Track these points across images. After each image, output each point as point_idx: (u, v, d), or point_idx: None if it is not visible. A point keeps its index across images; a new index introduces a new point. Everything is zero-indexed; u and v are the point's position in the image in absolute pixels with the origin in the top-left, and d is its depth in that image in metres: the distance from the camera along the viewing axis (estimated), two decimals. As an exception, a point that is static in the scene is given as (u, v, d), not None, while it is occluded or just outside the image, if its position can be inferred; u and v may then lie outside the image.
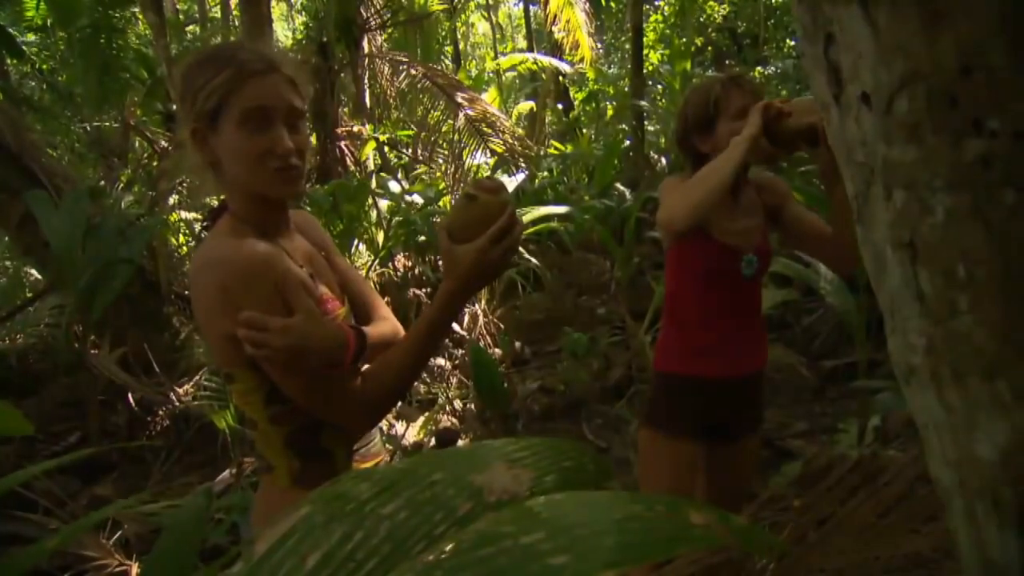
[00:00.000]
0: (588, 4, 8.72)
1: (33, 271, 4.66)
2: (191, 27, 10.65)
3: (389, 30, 6.99)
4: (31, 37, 7.54)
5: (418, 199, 4.95)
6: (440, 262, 1.24)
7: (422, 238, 4.43)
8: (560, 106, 11.12)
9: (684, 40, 8.09)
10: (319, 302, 0.98)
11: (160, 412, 3.28)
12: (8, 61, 7.49)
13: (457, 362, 4.10)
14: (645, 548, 0.42)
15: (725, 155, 1.43)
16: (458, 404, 3.72)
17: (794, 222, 1.63)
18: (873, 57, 0.58)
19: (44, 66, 7.43)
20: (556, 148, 8.81)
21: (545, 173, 7.58)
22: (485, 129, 4.83)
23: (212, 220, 1.02)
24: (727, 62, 12.19)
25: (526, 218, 4.60)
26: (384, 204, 4.97)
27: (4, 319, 3.87)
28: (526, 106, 10.31)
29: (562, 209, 5.10)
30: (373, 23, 5.90)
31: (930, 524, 1.50)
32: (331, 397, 0.94)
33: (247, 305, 0.88)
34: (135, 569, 2.20)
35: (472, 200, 0.93)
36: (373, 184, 4.98)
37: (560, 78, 10.33)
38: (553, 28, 8.52)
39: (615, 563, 0.40)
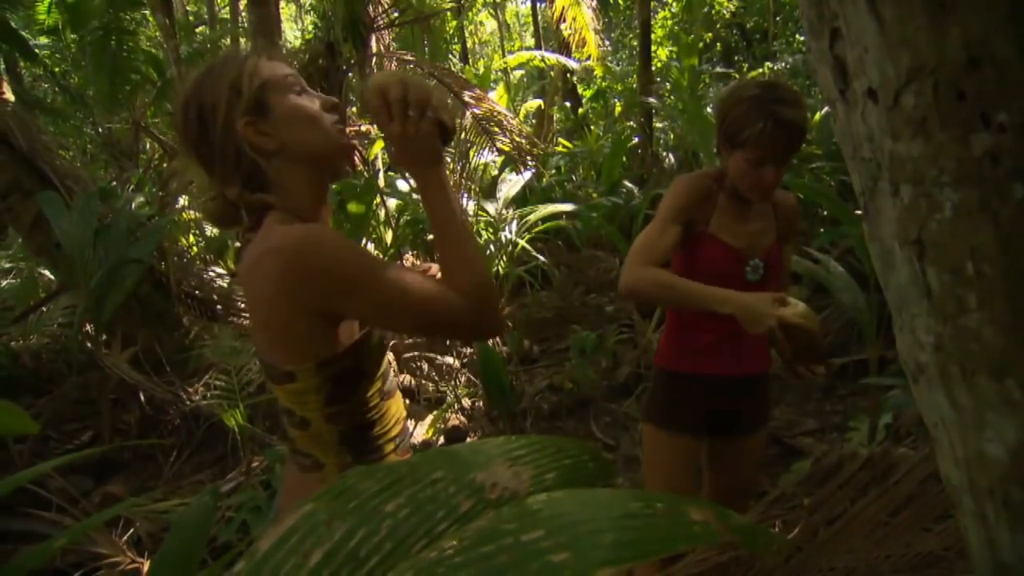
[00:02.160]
0: (595, 1, 8.69)
1: (46, 271, 4.70)
2: (201, 28, 10.72)
3: (397, 29, 7.00)
4: (43, 40, 7.62)
5: (426, 198, 4.95)
6: None
7: (430, 236, 4.44)
8: (568, 103, 11.10)
9: (692, 36, 8.03)
10: None
11: (171, 411, 3.31)
12: (21, 64, 7.58)
13: (465, 360, 4.11)
14: (644, 545, 0.42)
15: (703, 296, 1.37)
16: (466, 402, 3.72)
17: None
18: (879, 51, 0.58)
19: (56, 68, 7.50)
20: (564, 146, 8.80)
21: (553, 171, 7.57)
22: (492, 128, 4.83)
23: (255, 223, 0.98)
24: (736, 58, 12.12)
25: (533, 216, 4.59)
26: (392, 203, 4.98)
27: (17, 319, 3.91)
28: (534, 104, 10.30)
29: (570, 207, 5.10)
30: (381, 22, 5.90)
31: (942, 523, 1.48)
32: (442, 313, 0.89)
33: (330, 269, 0.86)
34: (146, 567, 2.22)
35: (365, 96, 0.96)
36: (381, 183, 4.99)
37: (568, 75, 10.31)
38: (560, 26, 8.50)
39: (614, 560, 0.40)
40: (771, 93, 1.38)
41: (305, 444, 1.00)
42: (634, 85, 9.14)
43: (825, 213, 4.61)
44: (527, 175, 5.21)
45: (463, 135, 4.98)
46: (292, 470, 1.06)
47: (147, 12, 7.09)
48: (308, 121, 0.94)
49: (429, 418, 3.51)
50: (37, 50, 7.20)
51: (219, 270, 4.54)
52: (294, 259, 0.86)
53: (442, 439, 3.42)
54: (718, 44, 12.86)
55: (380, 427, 1.02)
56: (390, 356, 1.09)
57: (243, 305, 4.05)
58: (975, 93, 0.53)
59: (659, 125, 8.43)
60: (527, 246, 4.57)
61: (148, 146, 7.51)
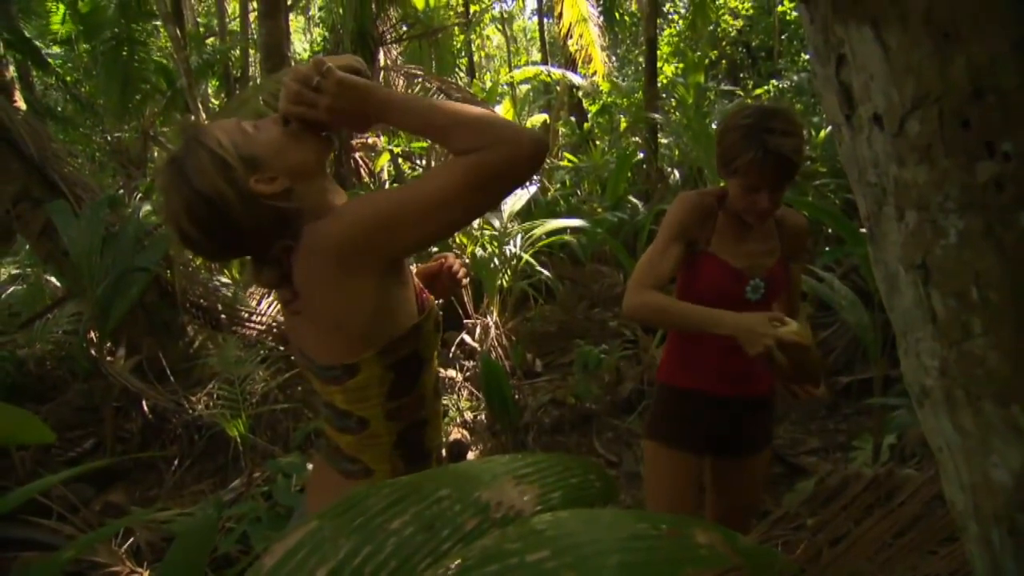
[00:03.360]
0: (602, 18, 8.77)
1: (53, 279, 4.73)
2: (211, 40, 10.84)
3: (404, 43, 7.07)
4: (56, 49, 7.73)
5: (431, 210, 4.97)
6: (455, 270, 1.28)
7: (434, 248, 4.46)
8: (573, 118, 11.16)
9: (698, 54, 8.08)
10: (419, 291, 1.01)
11: (173, 420, 3.31)
12: (34, 73, 7.67)
13: (468, 374, 4.10)
14: (649, 568, 0.42)
15: (700, 318, 1.39)
16: (468, 416, 3.71)
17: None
18: (885, 78, 0.59)
19: (68, 77, 7.59)
20: (569, 160, 8.84)
21: (558, 185, 7.59)
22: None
23: (293, 237, 0.97)
24: (741, 75, 12.19)
25: (538, 231, 4.60)
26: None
27: (23, 326, 3.93)
28: (539, 118, 10.36)
29: (575, 222, 5.11)
30: (388, 37, 5.97)
31: (948, 545, 1.47)
32: (484, 167, 0.84)
33: (358, 241, 0.86)
34: (146, 576, 2.21)
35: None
36: (387, 195, 5.00)
37: (574, 91, 10.38)
38: (567, 42, 8.58)
39: (620, 584, 0.40)
40: (764, 122, 1.38)
41: (356, 449, 1.01)
42: (640, 101, 9.19)
43: (830, 231, 4.61)
44: (532, 189, 5.23)
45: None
46: (331, 477, 1.05)
47: (159, 23, 7.19)
48: (286, 145, 0.94)
49: (431, 431, 3.50)
50: (50, 59, 7.30)
51: (224, 280, 4.56)
52: (331, 241, 0.87)
53: (444, 453, 3.41)
54: (723, 61, 12.95)
55: (431, 429, 1.05)
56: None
57: (246, 314, 4.06)
58: (980, 122, 0.54)
59: (664, 141, 8.47)
60: (531, 260, 4.58)
61: (156, 155, 7.58)
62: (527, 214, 5.51)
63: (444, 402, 3.79)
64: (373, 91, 0.91)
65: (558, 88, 10.20)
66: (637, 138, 8.73)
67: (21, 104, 5.96)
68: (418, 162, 7.41)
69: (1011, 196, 0.53)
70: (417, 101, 0.93)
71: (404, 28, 6.39)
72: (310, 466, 2.55)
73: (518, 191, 5.21)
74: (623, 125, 10.50)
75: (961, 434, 0.60)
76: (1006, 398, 0.55)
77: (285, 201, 0.92)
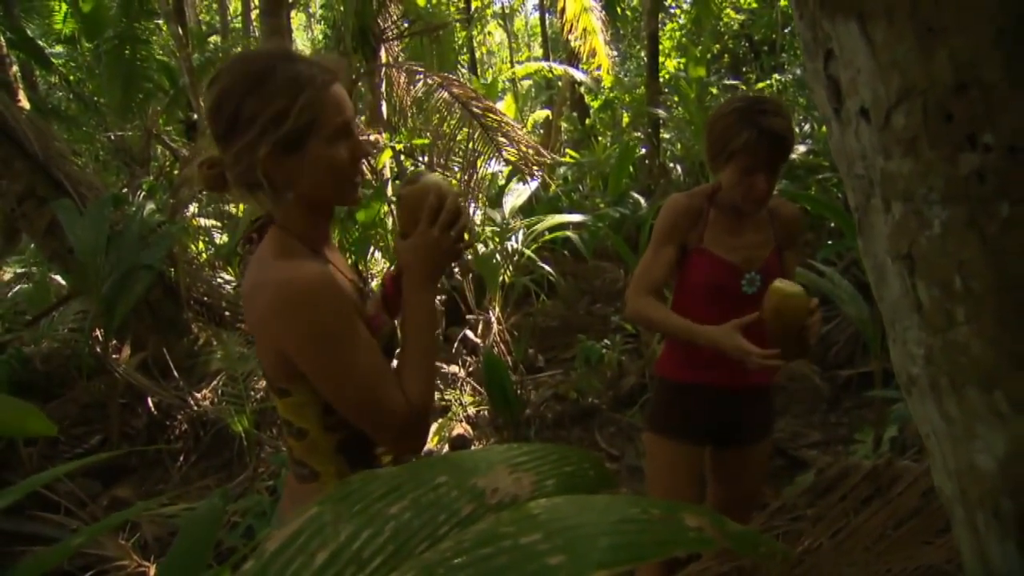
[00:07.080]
0: (604, 12, 8.74)
1: (58, 277, 4.77)
2: (213, 37, 10.85)
3: (406, 40, 7.07)
4: (59, 49, 7.75)
5: (433, 207, 4.97)
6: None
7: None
8: (575, 114, 11.15)
9: (700, 48, 8.06)
10: (369, 319, 0.99)
11: (178, 416, 3.34)
12: (37, 72, 7.70)
13: (471, 369, 4.12)
14: (639, 549, 0.44)
15: (683, 332, 1.49)
16: (471, 411, 3.73)
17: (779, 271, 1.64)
18: (871, 73, 0.60)
19: (71, 77, 7.61)
20: (571, 156, 8.83)
21: (560, 181, 7.59)
22: (499, 138, 4.86)
23: (258, 233, 1.01)
24: (744, 69, 12.15)
25: (540, 226, 4.61)
26: (400, 212, 5.00)
27: (30, 323, 3.96)
28: (542, 114, 10.35)
29: (577, 217, 5.11)
30: (390, 33, 5.98)
31: (943, 536, 1.48)
32: (383, 407, 0.91)
33: (308, 324, 0.88)
34: (152, 570, 2.24)
35: (398, 200, 0.99)
36: (389, 192, 5.03)
37: (575, 86, 10.36)
38: (569, 36, 8.56)
39: (609, 563, 0.41)
40: (754, 105, 1.44)
41: (302, 454, 1.01)
42: (642, 96, 9.17)
43: (832, 225, 4.61)
44: (534, 185, 5.23)
45: (471, 145, 5.02)
46: (291, 481, 1.07)
47: (161, 22, 7.20)
48: (332, 173, 0.93)
49: (434, 427, 3.53)
50: (53, 59, 7.32)
51: (228, 277, 4.58)
52: (282, 305, 0.88)
53: (447, 447, 3.43)
54: (726, 55, 12.90)
55: None
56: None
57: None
58: (962, 114, 0.55)
59: (666, 136, 8.45)
60: (533, 256, 4.59)
61: (159, 153, 7.61)
62: (529, 210, 5.52)
63: (447, 398, 3.81)
64: (437, 280, 1.00)
65: (560, 84, 10.19)
66: (639, 133, 8.73)
67: (25, 103, 5.99)
68: (420, 159, 7.41)
69: (993, 187, 0.54)
70: (436, 323, 1.02)
71: (405, 25, 6.39)
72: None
73: (520, 187, 5.21)
74: (625, 120, 10.48)
75: (947, 421, 0.61)
76: (990, 384, 0.57)
77: (270, 186, 0.92)
